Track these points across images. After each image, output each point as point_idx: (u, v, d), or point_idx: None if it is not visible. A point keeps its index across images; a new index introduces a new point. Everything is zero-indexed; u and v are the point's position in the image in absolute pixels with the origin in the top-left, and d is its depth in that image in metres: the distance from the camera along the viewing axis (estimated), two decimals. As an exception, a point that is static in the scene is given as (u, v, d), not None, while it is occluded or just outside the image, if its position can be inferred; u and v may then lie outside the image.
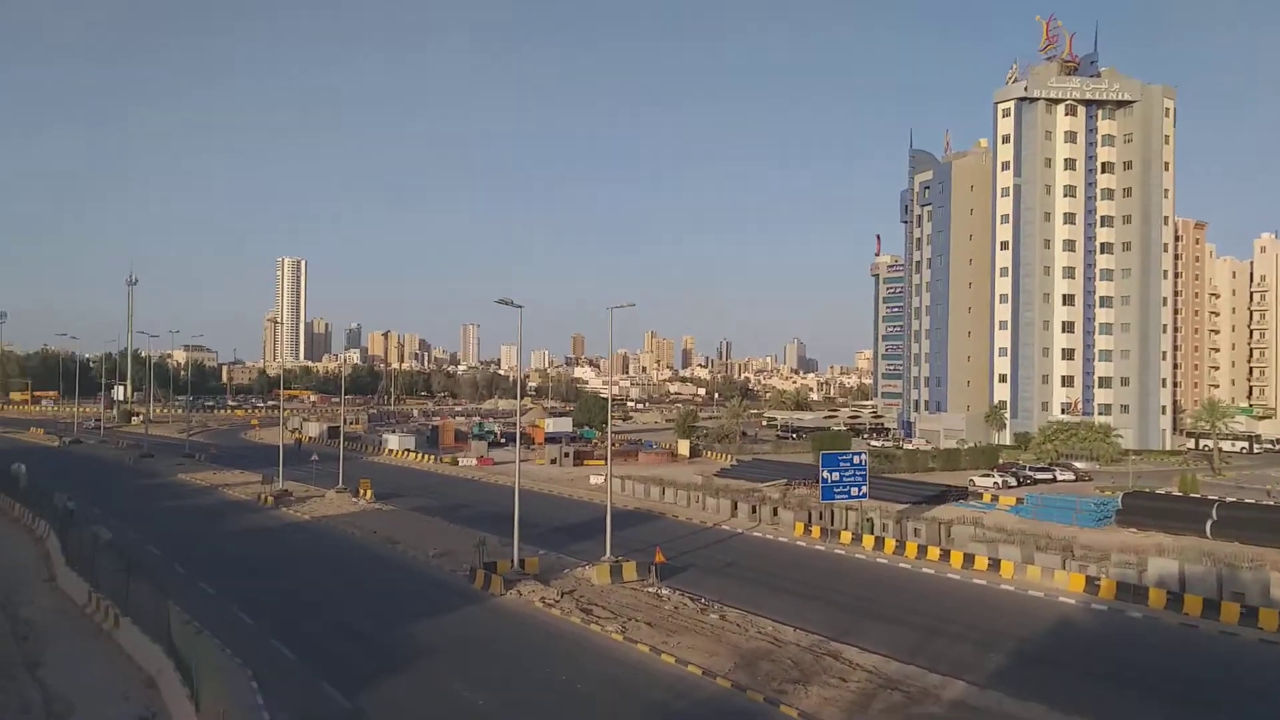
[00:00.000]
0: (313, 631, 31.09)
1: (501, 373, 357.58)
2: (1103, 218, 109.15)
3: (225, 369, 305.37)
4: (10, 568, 38.17)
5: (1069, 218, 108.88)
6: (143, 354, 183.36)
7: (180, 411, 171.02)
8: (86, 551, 33.62)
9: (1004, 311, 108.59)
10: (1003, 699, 24.23)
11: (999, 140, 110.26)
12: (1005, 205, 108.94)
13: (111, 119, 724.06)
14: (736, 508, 58.87)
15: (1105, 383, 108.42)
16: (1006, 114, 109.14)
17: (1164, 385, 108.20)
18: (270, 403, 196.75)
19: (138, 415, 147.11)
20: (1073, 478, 76.56)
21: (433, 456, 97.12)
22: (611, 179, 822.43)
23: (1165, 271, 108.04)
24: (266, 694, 23.38)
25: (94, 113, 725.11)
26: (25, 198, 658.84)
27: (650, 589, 36.73)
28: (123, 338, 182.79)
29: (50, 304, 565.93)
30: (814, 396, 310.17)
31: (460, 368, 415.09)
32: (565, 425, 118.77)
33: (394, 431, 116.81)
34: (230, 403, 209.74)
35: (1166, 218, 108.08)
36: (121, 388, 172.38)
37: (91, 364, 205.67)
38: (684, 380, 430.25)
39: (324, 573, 41.58)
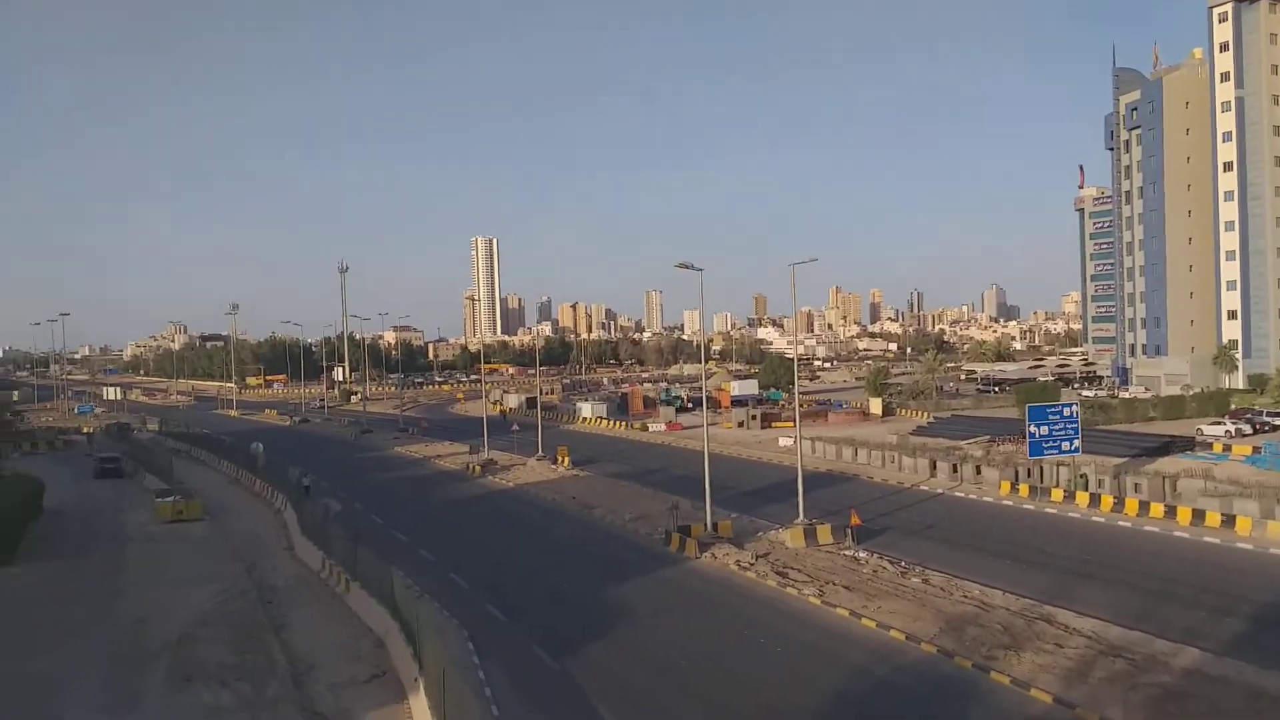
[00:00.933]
0: (521, 594, 32.65)
1: (685, 337, 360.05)
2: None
3: (431, 346, 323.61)
4: (255, 538, 42.26)
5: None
6: (357, 336, 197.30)
7: (393, 389, 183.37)
8: (319, 522, 36.70)
9: (1231, 240, 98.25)
10: (1244, 668, 22.18)
11: (1215, 49, 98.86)
12: (1226, 121, 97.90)
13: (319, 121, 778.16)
14: (935, 467, 56.83)
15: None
16: (1223, 19, 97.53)
17: None
18: (473, 377, 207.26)
19: (356, 394, 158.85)
20: (1321, 423, 68.77)
21: (623, 423, 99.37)
22: (784, 131, 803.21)
23: None
24: (482, 655, 24.83)
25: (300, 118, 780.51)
26: (250, 203, 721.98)
27: (846, 552, 36.17)
28: (339, 322, 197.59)
29: (276, 294, 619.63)
30: (1016, 345, 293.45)
31: (645, 335, 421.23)
32: (751, 388, 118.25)
33: (586, 400, 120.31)
34: (437, 378, 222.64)
35: None
36: (340, 369, 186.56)
37: (314, 348, 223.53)
38: (873, 336, 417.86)
39: (529, 538, 43.59)
